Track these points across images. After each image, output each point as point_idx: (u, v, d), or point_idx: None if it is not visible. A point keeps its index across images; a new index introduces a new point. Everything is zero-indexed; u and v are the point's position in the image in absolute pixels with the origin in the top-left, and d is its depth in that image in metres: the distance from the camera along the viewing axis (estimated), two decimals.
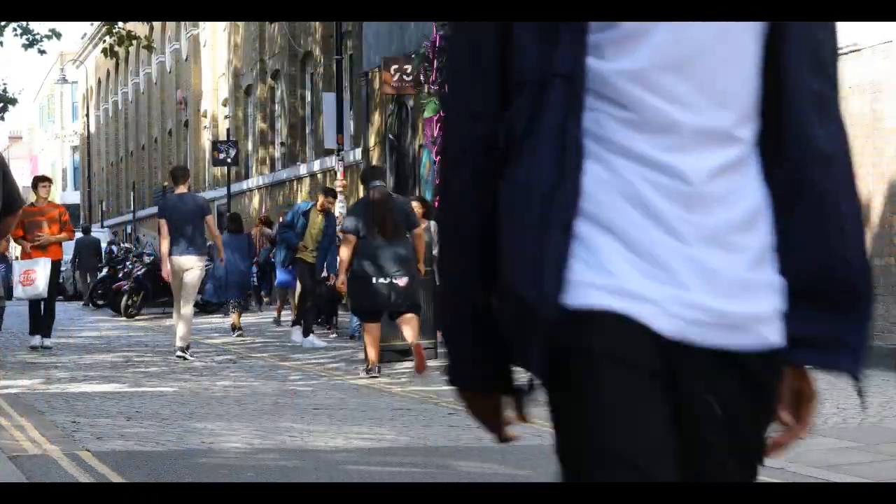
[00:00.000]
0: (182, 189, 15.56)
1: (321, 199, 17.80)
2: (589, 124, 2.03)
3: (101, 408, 10.91)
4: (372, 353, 13.08)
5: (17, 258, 17.70)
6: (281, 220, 21.19)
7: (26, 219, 16.47)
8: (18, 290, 16.80)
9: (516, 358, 2.14)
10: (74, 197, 68.95)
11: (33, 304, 16.97)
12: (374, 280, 12.58)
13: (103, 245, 35.21)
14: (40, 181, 17.71)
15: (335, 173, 25.46)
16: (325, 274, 17.59)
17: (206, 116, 43.73)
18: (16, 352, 16.77)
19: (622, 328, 2.00)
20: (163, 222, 15.24)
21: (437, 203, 2.82)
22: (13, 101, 25.36)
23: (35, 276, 16.42)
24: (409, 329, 12.87)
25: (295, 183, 32.81)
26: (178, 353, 15.38)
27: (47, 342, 16.92)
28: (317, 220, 17.44)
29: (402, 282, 12.64)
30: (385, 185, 13.35)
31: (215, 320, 24.24)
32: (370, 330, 13.02)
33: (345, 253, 12.88)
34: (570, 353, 2.01)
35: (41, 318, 16.95)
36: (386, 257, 12.59)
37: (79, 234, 32.94)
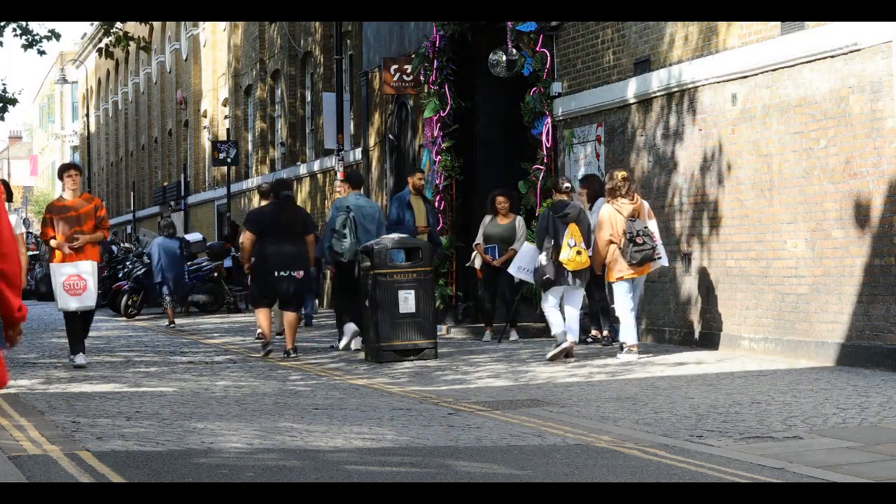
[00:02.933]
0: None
1: (412, 180, 16.94)
2: None
3: (101, 408, 10.91)
4: (266, 328, 15.71)
5: (45, 259, 15.76)
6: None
7: (56, 216, 14.47)
8: (65, 300, 14.26)
9: None
10: None
11: (71, 315, 14.60)
12: (276, 273, 15.23)
13: (113, 247, 35.17)
14: (65, 170, 14.71)
15: (335, 173, 25.46)
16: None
17: (206, 116, 43.72)
18: (16, 352, 16.76)
19: None
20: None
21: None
22: (13, 102, 25.26)
23: (85, 283, 14.15)
24: (287, 327, 15.53)
25: (295, 183, 32.81)
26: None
27: (81, 359, 14.69)
28: (421, 206, 16.88)
29: (298, 274, 15.36)
30: (291, 195, 16.16)
31: (215, 320, 24.27)
32: (262, 312, 15.68)
33: (248, 245, 15.59)
34: None
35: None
36: (286, 254, 15.25)
37: None
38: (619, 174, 14.03)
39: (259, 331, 16.86)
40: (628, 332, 13.92)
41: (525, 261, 14.84)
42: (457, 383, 12.58)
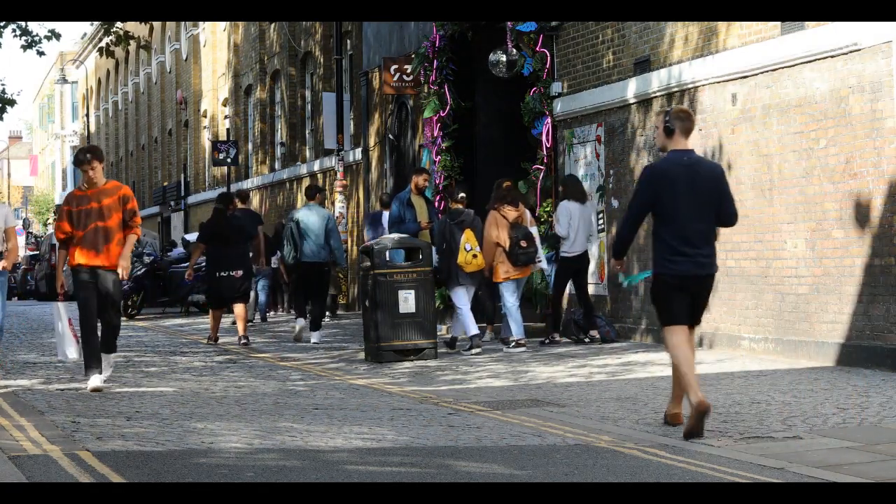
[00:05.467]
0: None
1: (416, 179, 16.89)
2: None
3: (101, 408, 10.91)
4: (213, 330, 18.09)
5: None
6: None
7: (75, 207, 12.03)
8: (68, 348, 12.24)
9: None
10: None
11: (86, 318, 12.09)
12: (217, 273, 17.70)
13: None
14: (82, 156, 12.05)
15: (335, 173, 25.46)
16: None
17: (206, 116, 43.72)
18: (16, 352, 16.76)
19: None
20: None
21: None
22: (12, 102, 25.22)
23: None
24: (238, 318, 17.89)
25: (295, 183, 32.81)
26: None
27: (102, 377, 12.19)
28: (422, 204, 16.89)
29: (237, 274, 17.67)
30: (223, 207, 18.01)
31: None
32: (214, 314, 18.12)
33: (195, 254, 18.52)
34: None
35: (102, 335, 12.22)
36: (224, 257, 17.66)
37: None
38: (505, 183, 15.45)
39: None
40: (519, 328, 15.23)
41: None
42: (457, 383, 12.58)
